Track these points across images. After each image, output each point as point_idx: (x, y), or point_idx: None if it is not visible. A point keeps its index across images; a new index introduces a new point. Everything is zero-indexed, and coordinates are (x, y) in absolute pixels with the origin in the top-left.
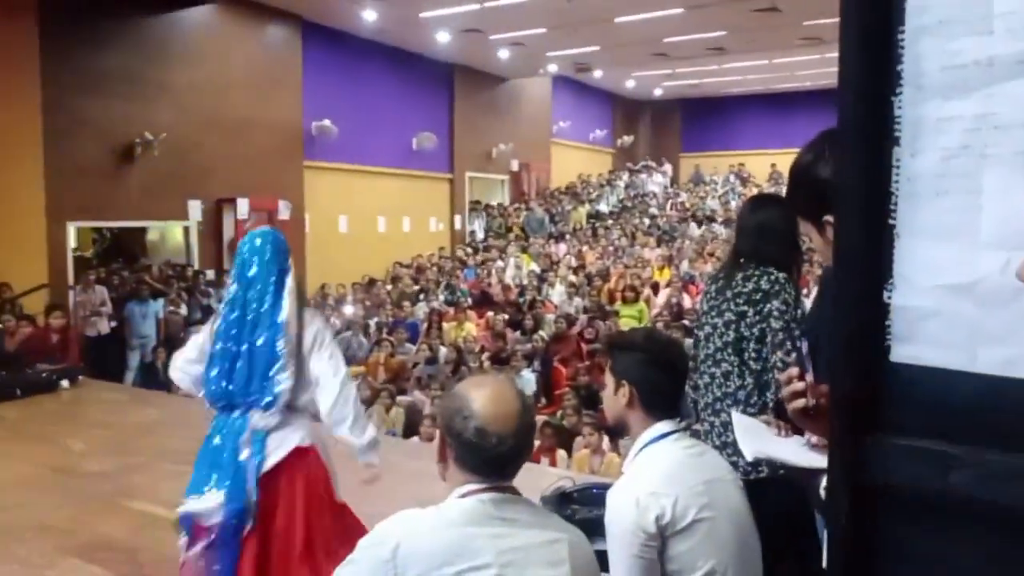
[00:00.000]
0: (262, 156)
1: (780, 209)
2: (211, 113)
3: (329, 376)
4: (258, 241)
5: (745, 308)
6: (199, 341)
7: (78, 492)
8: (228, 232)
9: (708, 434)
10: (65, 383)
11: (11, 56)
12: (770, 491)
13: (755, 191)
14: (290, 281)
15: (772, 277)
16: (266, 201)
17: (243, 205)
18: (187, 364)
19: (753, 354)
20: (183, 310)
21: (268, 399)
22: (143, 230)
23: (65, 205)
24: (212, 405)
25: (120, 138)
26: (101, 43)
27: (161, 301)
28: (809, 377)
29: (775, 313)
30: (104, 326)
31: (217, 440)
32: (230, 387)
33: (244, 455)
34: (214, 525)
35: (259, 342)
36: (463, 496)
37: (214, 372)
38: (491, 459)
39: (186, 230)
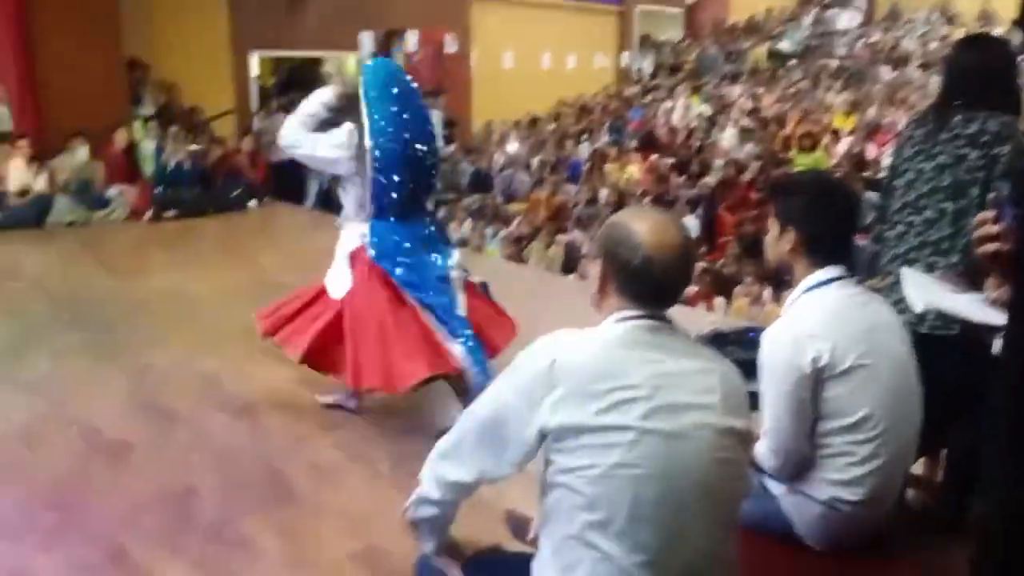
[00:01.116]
0: None
1: (999, 48)
2: None
3: None
4: None
5: (966, 151)
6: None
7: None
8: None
9: (893, 287)
10: (253, 203)
11: None
12: (944, 349)
13: (962, 32)
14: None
15: (1003, 120)
16: (434, 33)
17: (412, 37)
18: None
19: (976, 200)
20: None
21: None
22: (319, 61)
23: (248, 35)
24: None
25: None
26: None
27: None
28: (1005, 222)
29: (1004, 158)
30: (285, 153)
31: None
32: None
33: None
34: None
35: None
36: (619, 321)
37: None
38: (653, 288)
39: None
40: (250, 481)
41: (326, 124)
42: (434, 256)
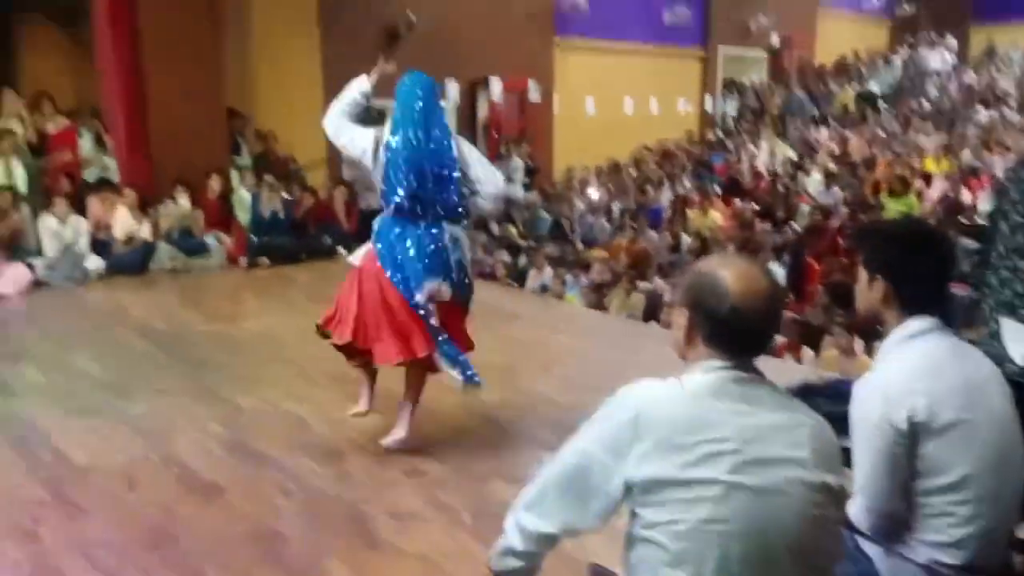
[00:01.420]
0: (515, 34)
1: None
2: None
3: None
4: None
5: None
6: None
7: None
8: (482, 112)
9: (993, 338)
10: (343, 251)
11: None
12: None
13: None
14: None
15: None
16: (517, 82)
17: (496, 85)
18: None
19: None
20: None
21: None
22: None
23: (339, 85)
24: None
25: (388, 20)
26: None
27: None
28: None
29: None
30: (375, 200)
31: None
32: None
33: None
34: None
35: None
36: (706, 372)
37: None
38: (740, 338)
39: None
40: (334, 524)
41: (368, 117)
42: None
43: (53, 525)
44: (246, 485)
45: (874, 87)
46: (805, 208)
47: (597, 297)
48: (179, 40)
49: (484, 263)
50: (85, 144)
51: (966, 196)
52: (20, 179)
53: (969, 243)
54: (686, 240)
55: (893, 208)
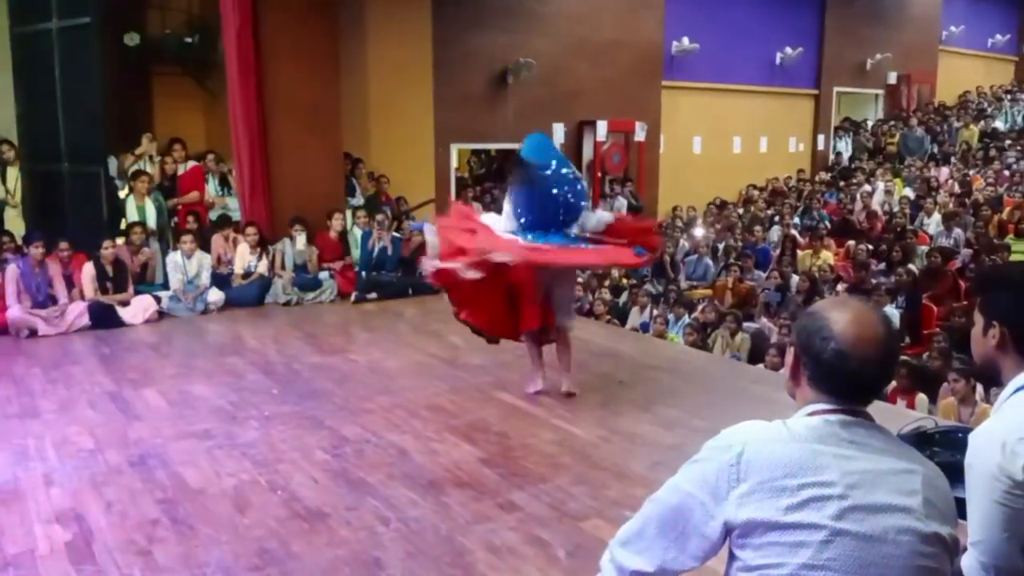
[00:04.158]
0: (623, 78)
1: None
2: (578, 38)
3: None
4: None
5: None
6: None
7: (460, 381)
8: (587, 153)
9: None
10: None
11: None
12: None
13: None
14: None
15: None
16: (623, 123)
17: (602, 127)
18: None
19: None
20: None
21: None
22: (513, 152)
23: (449, 129)
24: None
25: (497, 66)
26: None
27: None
28: None
29: None
30: None
31: None
32: None
33: None
34: None
35: None
36: (811, 414)
37: None
38: (847, 383)
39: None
40: (431, 555)
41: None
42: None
43: (166, 544)
44: (348, 512)
45: (999, 124)
46: (923, 249)
47: (701, 337)
48: (300, 90)
49: (584, 301)
50: (211, 185)
51: None
52: (151, 217)
53: None
54: (795, 280)
55: (1020, 250)
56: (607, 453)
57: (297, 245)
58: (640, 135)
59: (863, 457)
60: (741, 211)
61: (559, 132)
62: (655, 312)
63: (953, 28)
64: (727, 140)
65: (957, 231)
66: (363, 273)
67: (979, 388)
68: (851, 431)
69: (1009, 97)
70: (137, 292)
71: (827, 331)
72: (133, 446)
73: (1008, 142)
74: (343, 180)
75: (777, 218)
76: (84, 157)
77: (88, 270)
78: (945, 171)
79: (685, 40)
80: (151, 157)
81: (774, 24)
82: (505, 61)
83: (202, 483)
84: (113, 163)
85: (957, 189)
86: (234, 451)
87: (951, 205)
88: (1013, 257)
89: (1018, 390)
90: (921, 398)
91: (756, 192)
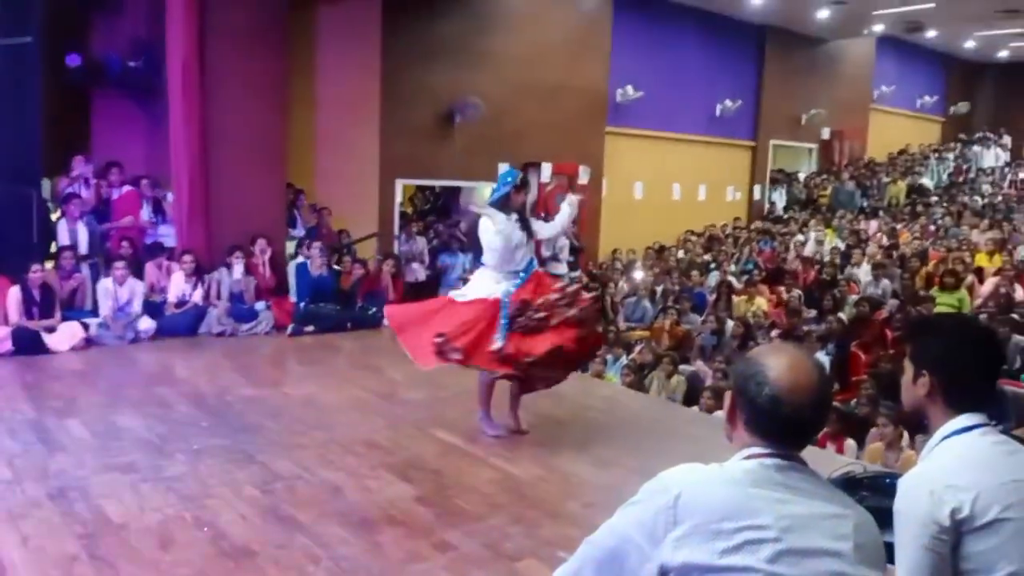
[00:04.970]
0: (568, 121)
1: None
2: (525, 80)
3: None
4: None
5: None
6: None
7: (397, 417)
8: (532, 194)
9: None
10: (387, 322)
11: (359, 30)
12: None
13: None
14: None
15: None
16: (567, 166)
17: (546, 169)
18: None
19: None
20: None
21: None
22: (458, 189)
23: (395, 164)
24: None
25: (445, 103)
26: (434, 15)
27: (470, 255)
28: None
29: None
30: (421, 274)
31: None
32: None
33: None
34: None
35: None
36: (747, 458)
37: None
38: (781, 428)
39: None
40: None
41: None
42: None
43: None
44: (277, 551)
45: (926, 181)
46: (853, 297)
47: (637, 378)
48: (245, 118)
49: None
50: (145, 211)
51: (1019, 293)
52: (83, 241)
53: (1022, 340)
54: (730, 325)
55: (944, 302)
56: (543, 492)
57: (234, 274)
58: (584, 178)
59: (797, 501)
60: (680, 255)
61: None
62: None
63: (884, 88)
64: (667, 187)
65: (885, 282)
66: (301, 305)
67: (905, 434)
68: (785, 475)
69: (936, 156)
70: (65, 318)
71: (762, 376)
72: (53, 478)
73: (934, 198)
74: (285, 210)
75: (714, 264)
76: (17, 177)
77: (14, 294)
78: (874, 224)
79: (629, 88)
80: (86, 180)
81: (715, 76)
82: (453, 97)
83: (125, 518)
84: (47, 185)
85: (885, 241)
86: (160, 485)
87: (879, 257)
88: (937, 308)
89: (946, 438)
90: (850, 443)
91: (694, 237)
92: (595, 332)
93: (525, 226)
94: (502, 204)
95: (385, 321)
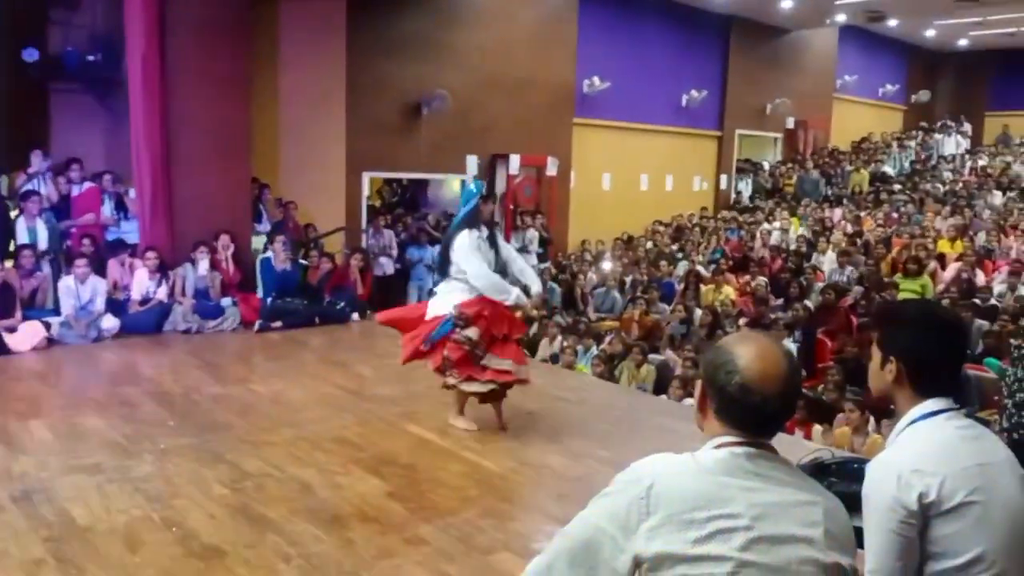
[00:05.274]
0: (535, 114)
1: None
2: (492, 73)
3: None
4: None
5: None
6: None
7: (367, 413)
8: (500, 186)
9: (1015, 428)
10: (356, 316)
11: (324, 24)
12: None
13: None
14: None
15: None
16: (535, 158)
17: (515, 161)
18: None
19: None
20: None
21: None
22: (426, 182)
23: (362, 158)
24: None
25: (411, 97)
26: (400, 9)
27: (437, 247)
28: None
29: None
30: (390, 267)
31: None
32: None
33: None
34: None
35: None
36: (717, 447)
37: None
38: (751, 416)
39: (462, 183)
40: None
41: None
42: None
43: None
44: (247, 549)
45: (888, 169)
46: (818, 285)
47: (608, 368)
48: (207, 111)
49: None
50: (107, 207)
51: (980, 278)
52: (43, 239)
53: (984, 324)
54: (698, 314)
55: (908, 288)
56: (515, 485)
57: (200, 270)
58: (552, 170)
59: (768, 489)
60: (648, 246)
61: (472, 164)
62: (565, 343)
63: (847, 77)
64: (635, 177)
65: (849, 269)
66: (268, 300)
67: (871, 419)
68: (756, 463)
69: (897, 143)
70: (25, 318)
71: (732, 365)
72: (17, 481)
73: (897, 186)
74: (250, 205)
75: (681, 253)
76: None
77: None
78: (839, 212)
79: (596, 79)
80: (44, 176)
81: (681, 67)
82: (419, 91)
83: (91, 520)
84: (4, 181)
85: (849, 229)
86: (126, 486)
87: (844, 244)
88: (901, 295)
89: (913, 422)
90: (817, 429)
91: (662, 228)
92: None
93: (493, 243)
94: (472, 219)
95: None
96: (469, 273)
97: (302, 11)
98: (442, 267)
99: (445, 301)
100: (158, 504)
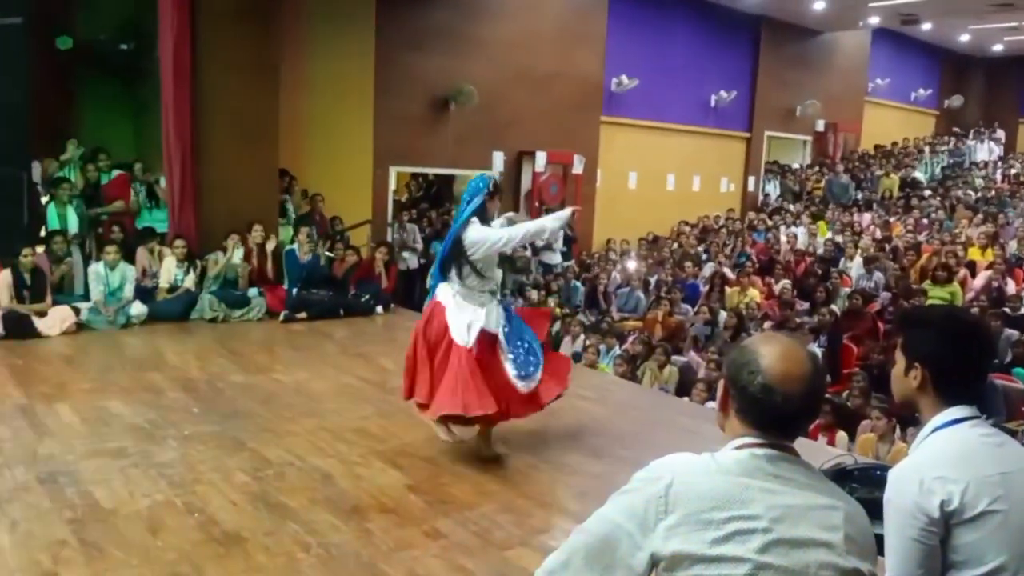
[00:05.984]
0: (562, 110)
1: None
2: (519, 68)
3: None
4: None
5: None
6: None
7: (389, 405)
8: (526, 183)
9: None
10: (380, 309)
11: (352, 16)
12: None
13: None
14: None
15: None
16: (562, 155)
17: (541, 158)
18: None
19: None
20: None
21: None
22: (451, 178)
23: (389, 151)
24: None
25: (438, 91)
26: (427, 1)
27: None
28: None
29: None
30: (413, 262)
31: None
32: None
33: None
34: None
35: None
36: (738, 448)
37: None
38: (773, 417)
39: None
40: None
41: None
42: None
43: (73, 566)
44: (266, 537)
45: (919, 175)
46: (845, 290)
47: (630, 368)
48: (237, 101)
49: None
50: (137, 195)
51: (1011, 286)
52: (73, 226)
53: (1014, 334)
54: (723, 316)
55: (936, 295)
56: (534, 481)
57: (234, 259)
58: (578, 168)
59: (788, 492)
60: (673, 246)
61: (499, 160)
62: (587, 342)
63: (879, 80)
64: (661, 177)
65: (877, 274)
66: (293, 291)
67: (897, 427)
68: (777, 466)
69: (929, 149)
70: (55, 302)
71: (755, 365)
72: (43, 463)
73: (927, 191)
74: (277, 194)
75: (707, 255)
76: (7, 160)
77: (4, 277)
78: (867, 217)
79: (624, 77)
80: (75, 164)
81: (710, 67)
82: (446, 85)
83: (114, 503)
84: (37, 168)
85: (878, 234)
86: (150, 470)
87: (872, 250)
88: (929, 302)
89: (936, 429)
90: (842, 435)
91: (688, 228)
92: None
93: None
94: (479, 216)
95: (379, 310)
96: (500, 244)
97: (331, 3)
98: (444, 267)
99: (462, 321)
100: (180, 489)
